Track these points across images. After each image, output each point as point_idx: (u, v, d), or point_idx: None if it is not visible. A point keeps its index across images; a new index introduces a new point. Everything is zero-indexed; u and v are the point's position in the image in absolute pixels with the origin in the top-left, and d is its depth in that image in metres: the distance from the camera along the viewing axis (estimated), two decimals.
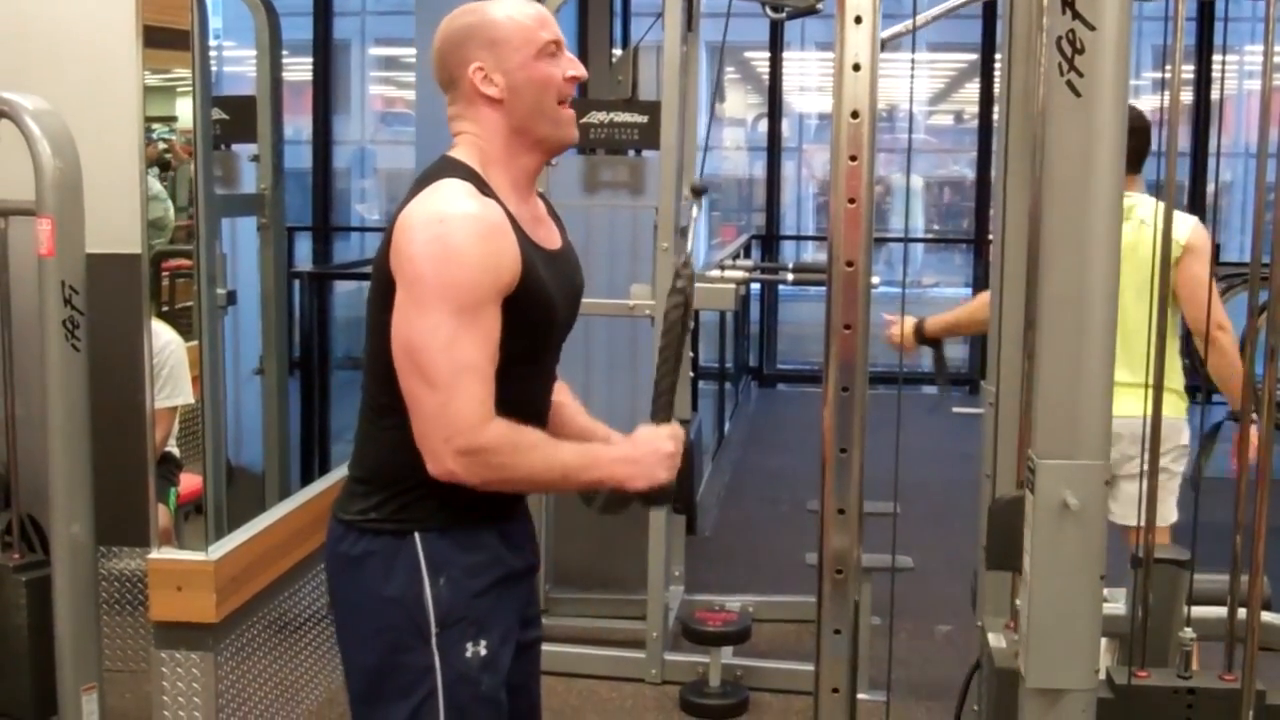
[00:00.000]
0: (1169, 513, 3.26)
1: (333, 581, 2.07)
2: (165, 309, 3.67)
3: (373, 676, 2.01)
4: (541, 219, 2.07)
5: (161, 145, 3.99)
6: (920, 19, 3.33)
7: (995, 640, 1.99)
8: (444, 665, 1.96)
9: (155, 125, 3.39)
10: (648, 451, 2.02)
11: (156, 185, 3.93)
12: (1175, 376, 3.36)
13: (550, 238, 2.07)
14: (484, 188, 1.93)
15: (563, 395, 2.23)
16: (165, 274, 3.79)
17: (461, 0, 2.02)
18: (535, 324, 1.96)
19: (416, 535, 1.97)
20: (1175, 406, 3.31)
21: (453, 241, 1.84)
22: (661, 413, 2.08)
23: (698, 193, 3.23)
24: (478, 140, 1.99)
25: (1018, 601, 1.78)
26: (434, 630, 1.96)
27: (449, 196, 1.89)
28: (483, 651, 1.99)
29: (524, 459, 1.91)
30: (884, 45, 2.97)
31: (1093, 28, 1.46)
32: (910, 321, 3.73)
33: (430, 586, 1.96)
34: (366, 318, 2.00)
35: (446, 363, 1.84)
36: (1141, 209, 3.24)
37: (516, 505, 2.11)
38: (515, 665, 2.08)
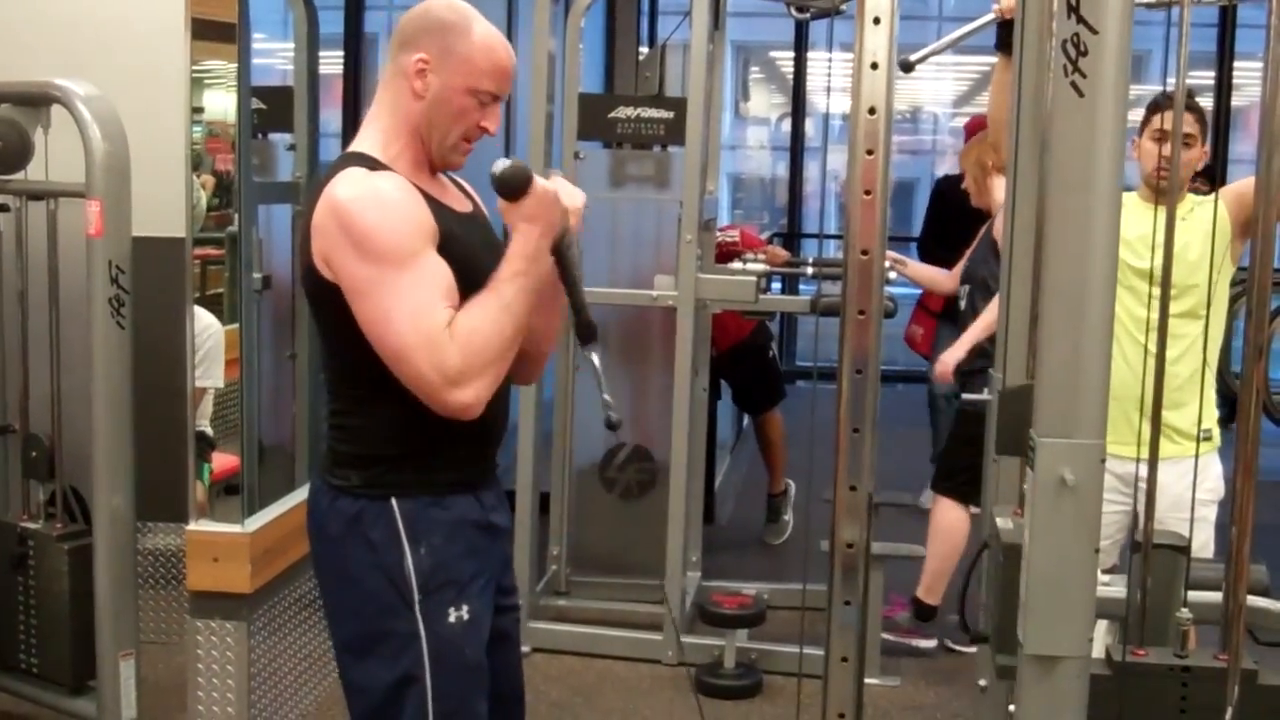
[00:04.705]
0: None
1: (315, 543, 2.15)
2: (197, 296, 3.77)
3: (359, 638, 2.08)
4: (444, 186, 2.14)
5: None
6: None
7: (1003, 523, 2.05)
8: (428, 631, 2.03)
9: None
10: (541, 210, 2.00)
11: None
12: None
13: (458, 202, 2.14)
14: (380, 166, 2.01)
15: None
16: (197, 261, 3.88)
17: None
18: (465, 275, 2.00)
19: (394, 501, 2.04)
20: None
21: (370, 214, 1.93)
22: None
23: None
24: (384, 124, 2.06)
25: (1025, 486, 1.85)
26: (417, 597, 2.03)
27: (350, 182, 1.97)
28: (465, 616, 2.06)
29: (485, 332, 1.93)
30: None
31: (1095, 31, 1.55)
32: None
33: (411, 554, 2.03)
34: (315, 322, 2.09)
35: (409, 320, 1.90)
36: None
37: (488, 471, 2.18)
38: (495, 625, 2.15)
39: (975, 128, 5.64)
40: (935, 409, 5.70)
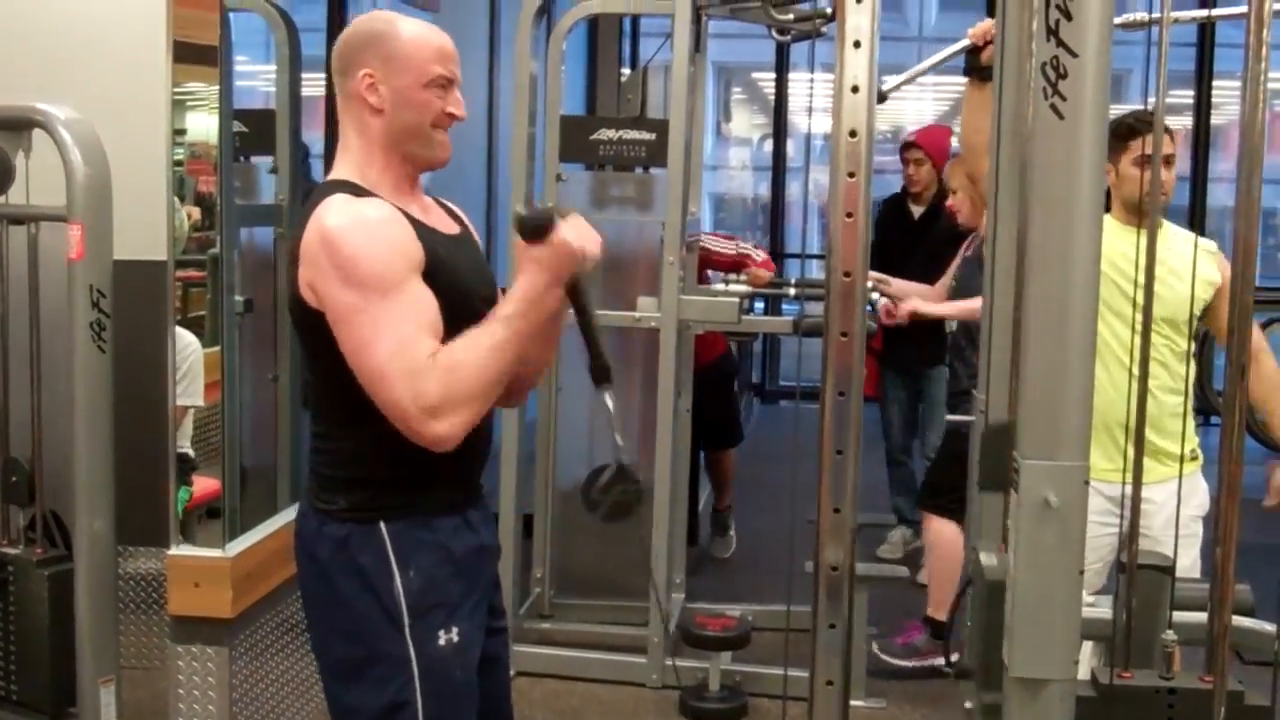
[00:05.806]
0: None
1: (302, 567, 2.14)
2: (179, 319, 3.76)
3: (348, 662, 2.07)
4: (429, 208, 2.15)
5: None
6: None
7: (986, 559, 2.03)
8: (419, 654, 2.03)
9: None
10: (554, 257, 1.98)
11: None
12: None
13: (445, 224, 2.15)
14: (364, 192, 2.02)
15: None
16: (179, 284, 3.87)
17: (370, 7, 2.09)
18: (452, 298, 2.01)
19: (382, 525, 2.04)
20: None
21: (354, 241, 1.93)
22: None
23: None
24: (356, 150, 2.08)
25: (1008, 522, 1.85)
26: (407, 620, 2.03)
27: (336, 209, 1.97)
28: (455, 638, 2.06)
29: (470, 369, 1.92)
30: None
31: (1075, 55, 1.56)
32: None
33: (400, 577, 2.03)
34: (301, 348, 2.09)
35: (390, 348, 1.90)
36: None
37: (474, 492, 2.18)
38: (484, 647, 2.16)
39: (912, 144, 5.60)
40: (894, 463, 5.71)
